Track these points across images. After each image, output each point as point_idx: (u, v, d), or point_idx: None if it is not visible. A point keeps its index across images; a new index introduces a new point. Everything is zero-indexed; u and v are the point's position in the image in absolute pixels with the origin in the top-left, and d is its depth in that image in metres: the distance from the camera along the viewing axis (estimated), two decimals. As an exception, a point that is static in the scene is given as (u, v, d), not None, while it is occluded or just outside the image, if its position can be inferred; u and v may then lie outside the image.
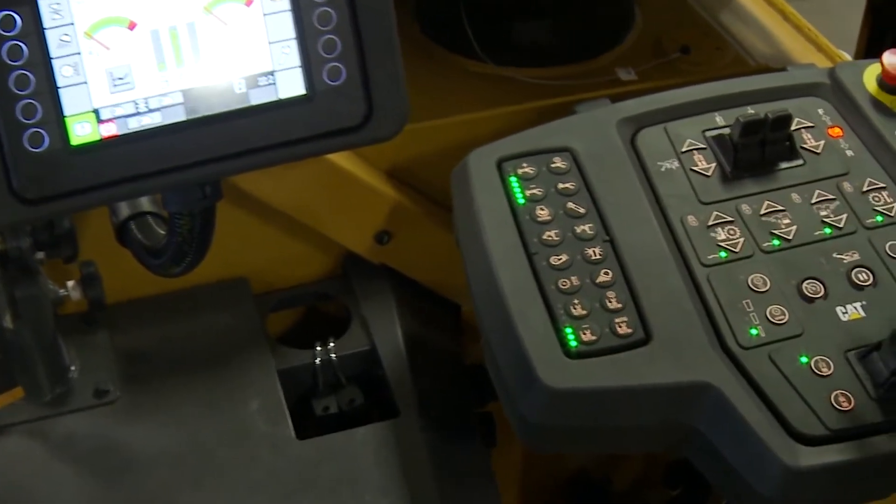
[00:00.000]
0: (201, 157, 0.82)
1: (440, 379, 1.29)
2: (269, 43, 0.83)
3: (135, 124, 0.81)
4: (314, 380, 1.25)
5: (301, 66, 0.84)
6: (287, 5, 0.82)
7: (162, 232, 1.00)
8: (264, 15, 0.82)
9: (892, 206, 1.07)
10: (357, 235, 1.28)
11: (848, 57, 1.41)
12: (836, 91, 1.17)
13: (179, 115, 0.82)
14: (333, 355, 1.25)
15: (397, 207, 1.26)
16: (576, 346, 0.96)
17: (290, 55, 0.83)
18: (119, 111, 0.80)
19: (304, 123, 0.84)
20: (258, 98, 0.83)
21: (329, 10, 0.82)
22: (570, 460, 1.70)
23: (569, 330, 0.97)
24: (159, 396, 1.20)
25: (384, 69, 0.84)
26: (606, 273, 1.01)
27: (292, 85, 0.84)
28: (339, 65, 0.84)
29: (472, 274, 1.06)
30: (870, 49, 1.39)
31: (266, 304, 1.32)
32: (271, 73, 0.83)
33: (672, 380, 0.94)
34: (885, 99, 1.15)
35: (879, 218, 1.06)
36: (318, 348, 1.26)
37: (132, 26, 0.79)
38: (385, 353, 1.25)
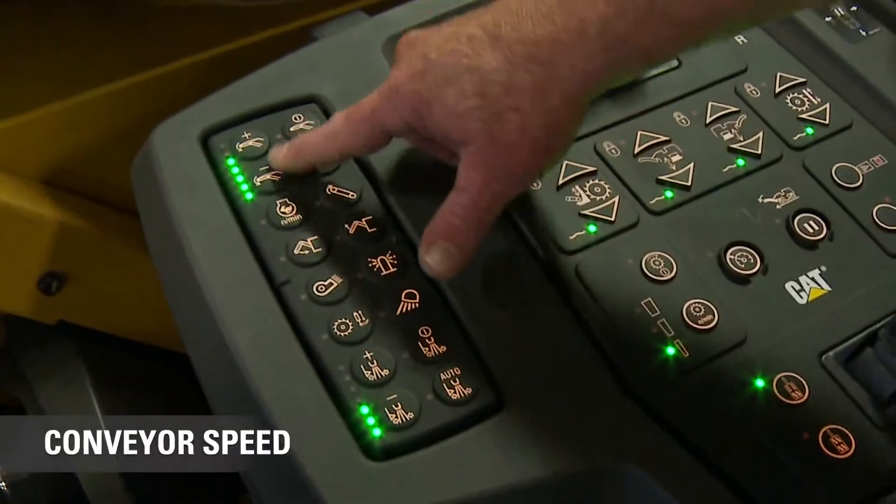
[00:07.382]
0: None
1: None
2: None
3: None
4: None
5: None
6: None
7: None
8: None
9: (823, 108, 0.69)
10: (12, 291, 0.81)
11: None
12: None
13: None
14: (2, 484, 0.78)
15: (65, 232, 0.78)
16: (380, 437, 0.54)
17: None
18: None
19: None
20: None
21: None
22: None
23: (365, 409, 0.54)
24: None
25: None
26: (411, 295, 0.59)
27: None
28: None
29: (185, 326, 0.62)
30: None
31: None
32: None
33: (561, 468, 0.54)
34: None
35: (810, 130, 0.69)
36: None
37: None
38: None
